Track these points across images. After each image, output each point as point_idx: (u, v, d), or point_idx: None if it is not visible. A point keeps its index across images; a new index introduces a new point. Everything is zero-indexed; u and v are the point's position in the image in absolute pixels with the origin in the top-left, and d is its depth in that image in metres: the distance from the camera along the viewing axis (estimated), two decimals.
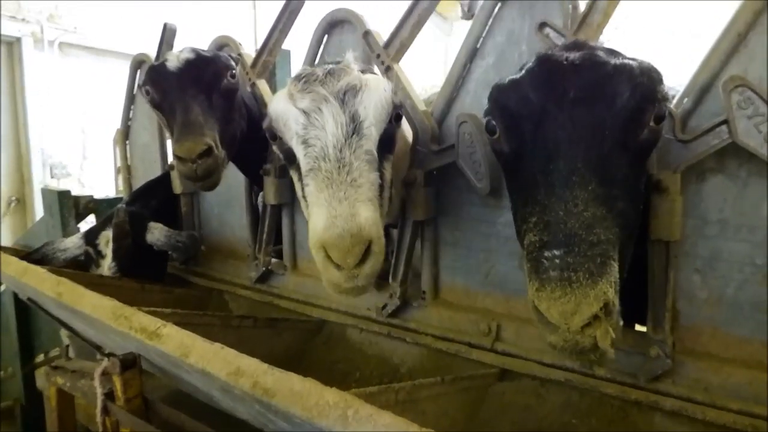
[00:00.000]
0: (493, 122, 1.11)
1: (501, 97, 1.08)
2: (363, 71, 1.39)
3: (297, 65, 2.07)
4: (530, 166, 1.00)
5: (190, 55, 1.86)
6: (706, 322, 1.30)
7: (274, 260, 2.18)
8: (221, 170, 1.81)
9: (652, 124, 1.00)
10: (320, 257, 1.14)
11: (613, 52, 1.05)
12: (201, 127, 1.71)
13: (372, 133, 1.25)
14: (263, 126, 1.40)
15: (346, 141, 1.22)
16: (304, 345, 1.93)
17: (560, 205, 0.89)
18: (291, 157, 1.33)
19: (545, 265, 0.85)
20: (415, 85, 1.75)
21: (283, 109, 1.29)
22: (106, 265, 2.09)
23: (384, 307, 1.78)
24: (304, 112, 1.25)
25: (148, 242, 2.13)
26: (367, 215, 1.12)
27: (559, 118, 0.96)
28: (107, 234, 2.14)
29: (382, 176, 1.27)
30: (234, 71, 1.91)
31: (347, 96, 1.26)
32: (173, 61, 1.84)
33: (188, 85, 1.80)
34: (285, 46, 2.16)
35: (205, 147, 1.66)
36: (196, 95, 1.79)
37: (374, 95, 1.28)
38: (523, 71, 1.06)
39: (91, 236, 2.18)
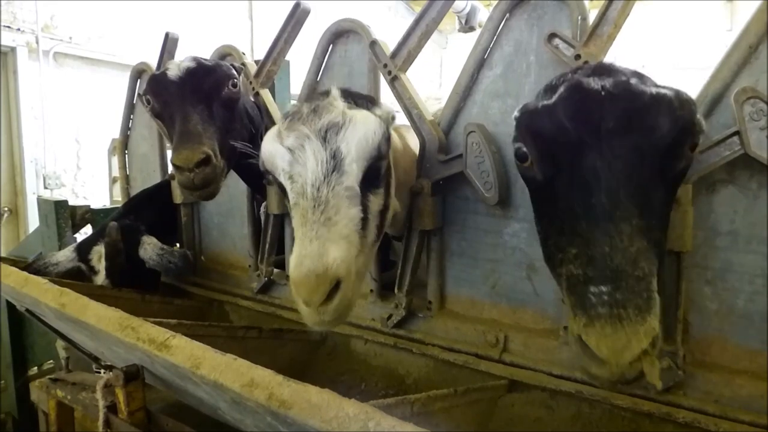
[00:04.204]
0: (525, 149, 1.08)
1: (533, 123, 1.04)
2: (354, 102, 1.40)
3: (296, 75, 2.07)
4: (568, 196, 0.98)
5: (191, 64, 1.85)
6: (717, 334, 1.29)
7: (276, 270, 2.16)
8: (220, 180, 1.79)
9: (687, 152, 1.00)
10: (293, 291, 1.17)
11: (640, 76, 1.03)
12: (200, 136, 1.70)
13: (353, 169, 1.26)
14: (259, 162, 1.41)
15: (325, 179, 1.23)
16: (309, 356, 1.91)
17: (605, 240, 0.88)
18: (284, 191, 1.36)
19: (593, 301, 0.84)
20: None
21: (271, 150, 1.33)
22: (99, 282, 2.06)
23: (389, 317, 1.77)
24: (290, 150, 1.28)
25: (141, 257, 2.10)
26: (336, 255, 1.13)
27: (600, 149, 0.94)
28: (99, 249, 2.10)
29: (365, 209, 1.28)
30: (235, 80, 1.90)
31: (329, 134, 1.28)
32: (174, 69, 1.83)
33: (189, 94, 1.79)
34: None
35: (203, 156, 1.64)
36: (197, 104, 1.78)
37: (358, 132, 1.29)
38: (555, 98, 1.02)
39: (83, 251, 2.14)
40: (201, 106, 1.78)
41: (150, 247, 2.10)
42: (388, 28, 1.71)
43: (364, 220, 1.26)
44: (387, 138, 1.37)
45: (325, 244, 1.14)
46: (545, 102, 1.04)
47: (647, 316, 0.83)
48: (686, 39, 8.41)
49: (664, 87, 0.99)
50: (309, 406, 0.76)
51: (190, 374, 0.92)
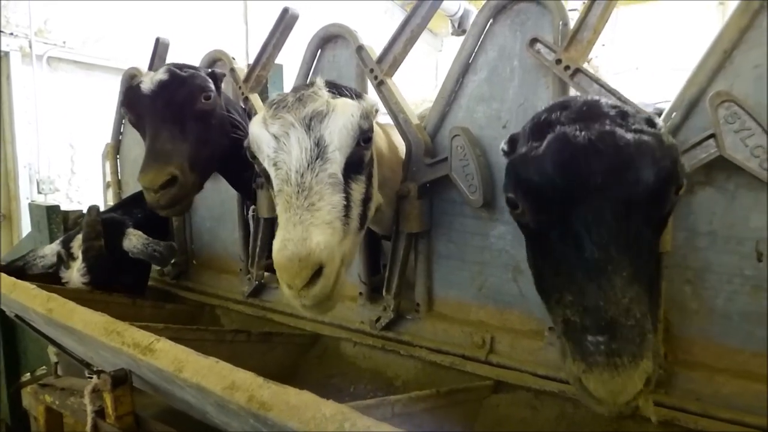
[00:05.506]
0: (515, 199, 1.10)
1: (523, 174, 1.06)
2: (339, 93, 1.42)
3: (290, 80, 2.09)
4: (560, 245, 1.01)
5: (164, 77, 1.82)
6: (698, 333, 1.31)
7: (266, 274, 2.17)
8: (191, 196, 1.79)
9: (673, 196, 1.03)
10: (278, 275, 1.19)
11: (624, 116, 1.03)
12: (167, 155, 1.69)
13: (336, 157, 1.29)
14: (244, 146, 1.43)
15: (308, 165, 1.26)
16: (298, 359, 1.92)
17: (599, 293, 0.92)
18: (267, 178, 1.39)
19: (590, 350, 0.91)
20: (407, 99, 1.77)
21: (257, 133, 1.35)
22: (76, 267, 2.03)
23: (378, 320, 1.78)
24: (275, 137, 1.31)
25: (125, 248, 2.08)
26: (319, 239, 1.15)
27: (588, 202, 0.97)
28: (81, 237, 2.08)
29: (348, 197, 1.30)
30: (209, 93, 1.87)
31: (313, 122, 1.31)
32: (147, 83, 1.81)
33: (160, 108, 1.78)
34: (278, 60, 2.17)
35: (167, 177, 1.64)
36: (167, 119, 1.76)
37: (340, 120, 1.32)
38: (543, 149, 1.02)
39: (67, 240, 2.14)
40: (172, 120, 1.76)
41: (135, 238, 2.09)
42: (385, 32, 1.72)
43: (347, 207, 1.29)
44: (369, 124, 1.39)
45: (308, 229, 1.16)
46: (533, 153, 1.04)
47: (640, 361, 0.89)
48: (680, 41, 8.46)
49: (647, 133, 1.00)
50: (288, 408, 0.78)
51: (174, 378, 0.93)
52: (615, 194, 0.96)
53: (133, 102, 1.83)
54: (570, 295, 0.97)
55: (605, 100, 1.09)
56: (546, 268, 1.08)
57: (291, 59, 2.34)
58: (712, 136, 1.17)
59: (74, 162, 5.86)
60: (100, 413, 1.29)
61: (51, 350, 2.00)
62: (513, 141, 1.20)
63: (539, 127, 1.09)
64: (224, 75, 2.03)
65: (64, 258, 2.06)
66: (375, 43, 1.80)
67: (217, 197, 2.38)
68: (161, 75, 1.83)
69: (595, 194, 0.96)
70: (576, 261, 0.97)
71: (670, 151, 1.00)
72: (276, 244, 1.17)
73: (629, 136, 0.98)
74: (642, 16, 8.52)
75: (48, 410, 1.48)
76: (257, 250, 2.13)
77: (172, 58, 2.35)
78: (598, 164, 0.96)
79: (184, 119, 1.80)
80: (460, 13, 8.37)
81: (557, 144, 1.01)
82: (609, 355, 0.89)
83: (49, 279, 2.00)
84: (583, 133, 0.99)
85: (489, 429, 1.47)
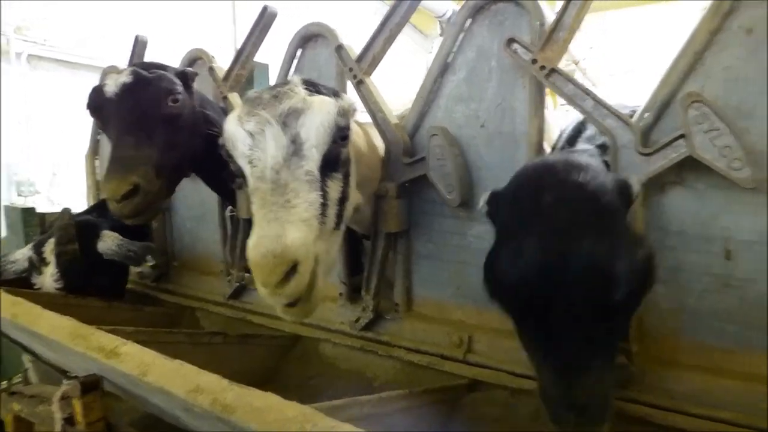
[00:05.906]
0: (493, 293, 1.16)
1: (498, 278, 1.12)
2: (317, 91, 1.41)
3: (275, 79, 2.06)
4: (538, 341, 1.10)
5: (128, 79, 1.73)
6: (670, 331, 1.32)
7: (247, 275, 2.15)
8: (158, 203, 1.74)
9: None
10: (253, 273, 1.18)
11: (602, 213, 1.05)
12: (130, 163, 1.63)
13: (313, 154, 1.28)
14: (219, 144, 1.41)
15: (284, 162, 1.25)
16: (278, 361, 1.90)
17: (570, 387, 1.02)
18: (243, 176, 1.37)
19: (562, 421, 1.05)
20: (395, 100, 1.76)
21: (232, 130, 1.34)
22: (48, 273, 1.96)
23: (357, 320, 1.77)
24: (250, 134, 1.29)
25: (99, 251, 2.02)
26: (295, 237, 1.14)
27: (560, 315, 1.01)
28: (53, 241, 2.02)
29: (324, 195, 1.29)
30: (177, 96, 1.78)
31: (289, 119, 1.29)
32: (111, 85, 1.74)
33: (124, 112, 1.70)
34: (264, 60, 2.14)
35: (129, 188, 1.59)
36: (132, 124, 1.69)
37: (317, 117, 1.31)
38: (515, 263, 1.05)
39: (38, 244, 2.07)
40: (137, 125, 1.69)
41: (109, 240, 2.03)
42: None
43: (324, 206, 1.28)
44: (346, 122, 1.38)
45: (284, 226, 1.15)
46: (507, 263, 1.08)
47: (603, 426, 1.05)
48: (671, 44, 8.56)
49: (625, 243, 1.02)
50: (251, 410, 0.77)
51: (138, 381, 0.92)
52: (586, 310, 1.01)
53: (97, 105, 1.75)
54: (549, 372, 1.06)
55: (586, 184, 1.07)
56: (526, 342, 1.15)
57: (278, 59, 2.32)
58: (682, 136, 1.18)
59: (56, 163, 5.76)
60: (69, 421, 1.25)
61: (26, 357, 1.96)
62: (494, 198, 1.20)
63: (517, 215, 1.12)
64: (196, 74, 1.96)
65: (36, 263, 2.00)
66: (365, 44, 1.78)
67: (197, 197, 2.35)
68: (125, 77, 1.74)
69: (566, 309, 1.01)
70: (549, 356, 1.06)
71: (644, 264, 1.04)
72: (251, 241, 1.16)
73: (604, 256, 0.99)
74: (632, 20, 8.61)
75: (17, 419, 1.44)
76: (237, 250, 2.11)
77: (162, 58, 2.28)
78: (571, 286, 1.00)
79: (150, 123, 1.72)
80: (448, 15, 8.38)
81: (530, 264, 1.03)
82: (578, 426, 1.02)
83: (21, 285, 1.95)
84: (557, 253, 1.00)
85: (464, 428, 1.47)
